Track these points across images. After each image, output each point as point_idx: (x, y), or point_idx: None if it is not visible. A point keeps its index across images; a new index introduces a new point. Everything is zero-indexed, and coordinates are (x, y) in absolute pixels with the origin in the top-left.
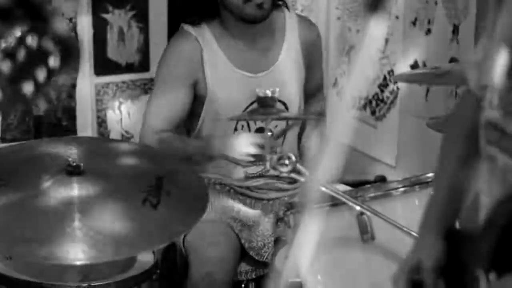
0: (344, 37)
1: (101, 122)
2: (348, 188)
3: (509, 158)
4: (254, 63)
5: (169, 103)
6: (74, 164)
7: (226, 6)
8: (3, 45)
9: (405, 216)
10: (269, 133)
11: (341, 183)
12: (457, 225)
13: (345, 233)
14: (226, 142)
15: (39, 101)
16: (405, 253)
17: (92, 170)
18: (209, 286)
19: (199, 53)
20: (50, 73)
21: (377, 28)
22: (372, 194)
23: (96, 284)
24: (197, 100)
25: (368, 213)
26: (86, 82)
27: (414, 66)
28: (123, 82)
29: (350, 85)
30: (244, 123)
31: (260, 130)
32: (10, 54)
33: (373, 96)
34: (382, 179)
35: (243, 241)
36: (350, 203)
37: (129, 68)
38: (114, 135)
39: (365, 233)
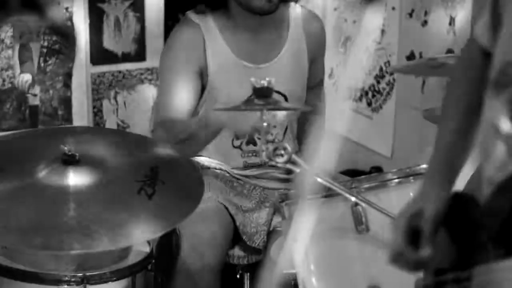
0: (340, 28)
1: (97, 112)
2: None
3: None
4: (256, 54)
5: (181, 91)
6: (70, 153)
7: None
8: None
9: (400, 207)
10: (265, 124)
11: (338, 173)
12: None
13: (339, 224)
14: (226, 113)
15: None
16: None
17: (87, 160)
18: (201, 261)
19: (202, 41)
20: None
21: (373, 19)
22: (367, 185)
23: (91, 273)
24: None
25: (363, 204)
26: (82, 72)
27: (411, 57)
28: (119, 72)
29: (346, 76)
30: None
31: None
32: None
33: (369, 87)
34: (377, 170)
35: (237, 223)
36: (345, 194)
37: (125, 57)
38: (109, 124)
39: (360, 224)
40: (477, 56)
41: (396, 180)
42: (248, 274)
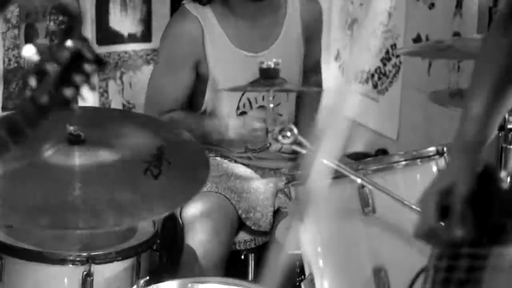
0: (346, 10)
1: (103, 92)
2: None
3: None
4: (255, 43)
5: (172, 83)
6: (75, 133)
7: None
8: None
9: (406, 190)
10: (271, 105)
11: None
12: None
13: (346, 205)
14: (237, 122)
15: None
16: (406, 226)
17: (93, 140)
18: (204, 258)
19: (200, 33)
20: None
21: (380, 2)
22: (374, 167)
23: (96, 253)
24: (201, 79)
25: (369, 186)
26: None
27: (417, 40)
28: (125, 52)
29: (353, 58)
30: (246, 101)
31: (262, 108)
32: None
33: (375, 70)
34: (383, 153)
35: (240, 212)
36: (352, 176)
37: (131, 38)
38: (115, 105)
39: (366, 206)
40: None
41: (403, 163)
42: (253, 255)
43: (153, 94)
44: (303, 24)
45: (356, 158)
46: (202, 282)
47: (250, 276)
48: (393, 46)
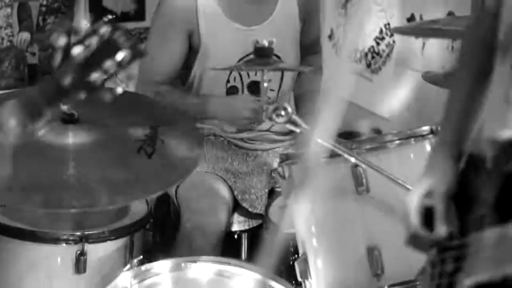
0: None
1: None
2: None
3: None
4: (248, 16)
5: (165, 54)
6: (69, 112)
7: None
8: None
9: (400, 169)
10: (265, 84)
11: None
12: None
13: (340, 185)
14: (224, 103)
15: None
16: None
17: (87, 119)
18: (200, 238)
19: (194, 4)
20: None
21: None
22: (367, 146)
23: (90, 232)
24: (191, 52)
25: (363, 165)
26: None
27: (411, 19)
28: None
29: (346, 37)
30: (237, 75)
31: (254, 84)
32: None
33: (369, 49)
34: (377, 132)
35: (236, 193)
36: (346, 155)
37: (124, 17)
38: (108, 83)
39: (360, 185)
40: (487, 21)
41: (397, 142)
42: (246, 234)
43: (145, 66)
44: (300, 1)
45: (349, 138)
46: (196, 261)
47: (243, 256)
48: (387, 25)
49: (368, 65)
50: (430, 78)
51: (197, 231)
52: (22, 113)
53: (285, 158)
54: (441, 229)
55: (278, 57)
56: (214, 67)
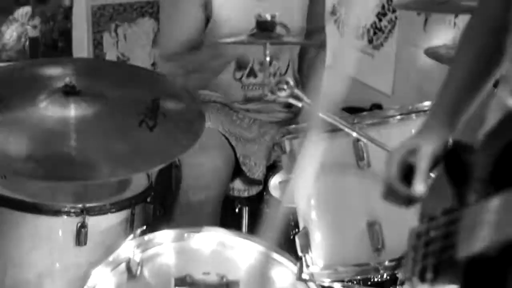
0: None
1: (97, 44)
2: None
3: None
4: None
5: (182, 24)
6: (71, 84)
7: None
8: None
9: None
10: (268, 59)
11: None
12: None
13: (341, 159)
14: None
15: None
16: None
17: (88, 91)
18: (201, 194)
19: None
20: None
21: None
22: (369, 121)
23: (91, 204)
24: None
25: (364, 139)
26: (83, 4)
27: None
28: (120, 5)
29: (348, 13)
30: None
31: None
32: None
33: (371, 25)
34: (378, 108)
35: (238, 155)
36: (347, 130)
37: None
38: (110, 57)
39: (361, 160)
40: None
41: (398, 117)
42: (247, 207)
43: (162, 37)
44: None
45: (351, 113)
46: (198, 232)
47: (244, 229)
48: (389, 1)
49: (370, 41)
50: (432, 53)
51: (198, 187)
52: None
53: (287, 132)
54: (419, 187)
55: (286, 27)
56: (223, 36)
